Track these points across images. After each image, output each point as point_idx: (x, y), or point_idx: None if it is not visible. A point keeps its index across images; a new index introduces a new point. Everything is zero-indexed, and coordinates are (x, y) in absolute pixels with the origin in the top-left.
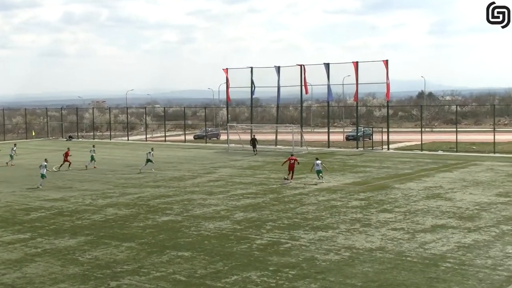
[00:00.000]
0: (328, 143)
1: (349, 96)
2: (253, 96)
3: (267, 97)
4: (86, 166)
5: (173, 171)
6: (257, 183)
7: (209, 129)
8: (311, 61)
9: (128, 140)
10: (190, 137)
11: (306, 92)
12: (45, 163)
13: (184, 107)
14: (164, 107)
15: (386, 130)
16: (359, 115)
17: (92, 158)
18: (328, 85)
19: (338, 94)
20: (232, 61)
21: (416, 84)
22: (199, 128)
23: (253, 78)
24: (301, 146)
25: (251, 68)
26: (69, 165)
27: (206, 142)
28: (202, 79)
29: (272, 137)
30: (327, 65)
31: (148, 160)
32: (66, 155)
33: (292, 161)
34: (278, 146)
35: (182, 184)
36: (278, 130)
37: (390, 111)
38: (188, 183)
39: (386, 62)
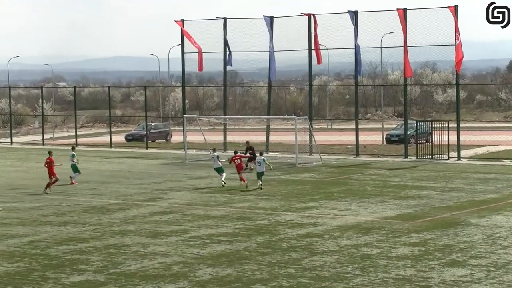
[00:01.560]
0: (357, 149)
1: (392, 69)
2: (228, 69)
3: (251, 71)
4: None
5: (91, 197)
6: (235, 217)
7: (153, 124)
8: (325, 7)
9: (11, 143)
10: (119, 138)
11: (319, 62)
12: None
13: (109, 87)
14: (74, 87)
15: (455, 126)
16: (409, 100)
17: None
18: (356, 49)
19: (373, 65)
20: (190, 8)
21: (507, 47)
22: (135, 123)
23: (228, 38)
24: (310, 154)
25: (224, 19)
26: None
27: (147, 147)
28: (139, 39)
29: (260, 137)
30: (354, 15)
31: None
32: None
33: (238, 160)
34: (270, 154)
35: (106, 218)
36: (271, 126)
37: (462, 94)
38: (116, 217)
39: (454, 10)
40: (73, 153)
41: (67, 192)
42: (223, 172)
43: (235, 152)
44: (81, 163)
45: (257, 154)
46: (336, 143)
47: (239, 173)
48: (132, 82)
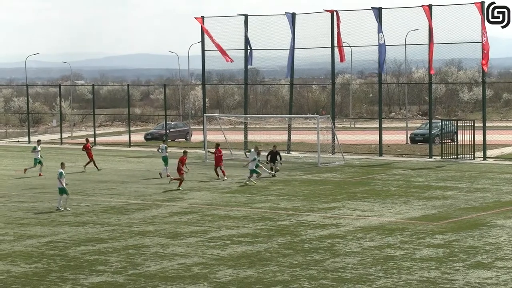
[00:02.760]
0: (380, 148)
1: (417, 66)
2: (249, 67)
3: (272, 68)
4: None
5: (109, 197)
6: (255, 218)
7: (172, 123)
8: (349, 4)
9: (29, 142)
10: (138, 137)
11: (342, 60)
12: (61, 170)
13: (128, 85)
14: (93, 85)
15: (481, 125)
16: (434, 99)
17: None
18: (380, 46)
19: (398, 63)
20: (211, 5)
21: None
22: (154, 122)
23: (249, 35)
24: (333, 153)
25: (245, 16)
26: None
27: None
28: (159, 37)
29: (282, 136)
30: (378, 11)
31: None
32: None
33: (218, 153)
34: (292, 153)
35: (125, 219)
36: (293, 125)
37: (489, 92)
38: (135, 218)
39: (480, 6)
40: (164, 146)
41: (85, 192)
42: (255, 172)
43: (217, 145)
44: (100, 162)
45: (253, 150)
46: (359, 143)
47: (218, 166)
48: (152, 80)
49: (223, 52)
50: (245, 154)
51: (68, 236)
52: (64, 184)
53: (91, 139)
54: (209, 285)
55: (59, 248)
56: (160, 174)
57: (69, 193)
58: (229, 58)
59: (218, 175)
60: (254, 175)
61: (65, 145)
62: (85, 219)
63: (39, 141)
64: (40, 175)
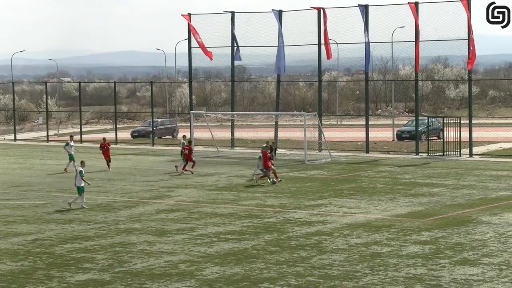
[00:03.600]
0: (367, 145)
1: (403, 64)
2: (236, 64)
3: (259, 66)
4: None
5: (96, 194)
6: (242, 215)
7: (159, 120)
8: (335, 1)
9: (15, 139)
10: (125, 135)
11: (329, 57)
12: (81, 168)
13: (114, 82)
14: (79, 82)
15: (467, 122)
16: (421, 96)
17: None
18: (367, 44)
19: (384, 60)
20: (198, 2)
21: None
22: (141, 120)
23: (236, 32)
24: (320, 151)
25: (232, 13)
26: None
27: (153, 144)
28: (145, 34)
29: (269, 134)
30: (364, 9)
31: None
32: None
33: (186, 150)
34: (278, 150)
35: (111, 216)
36: (280, 122)
37: (475, 89)
38: (122, 215)
39: (467, 3)
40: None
41: (72, 189)
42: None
43: (189, 142)
44: (86, 160)
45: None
46: (346, 140)
47: (187, 162)
48: (138, 77)
49: (204, 49)
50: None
51: (54, 233)
52: (83, 183)
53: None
54: (196, 282)
55: (45, 245)
56: (176, 167)
57: (86, 191)
58: (211, 55)
59: (184, 168)
60: (258, 171)
61: (51, 142)
62: (72, 216)
63: (71, 136)
64: (65, 170)
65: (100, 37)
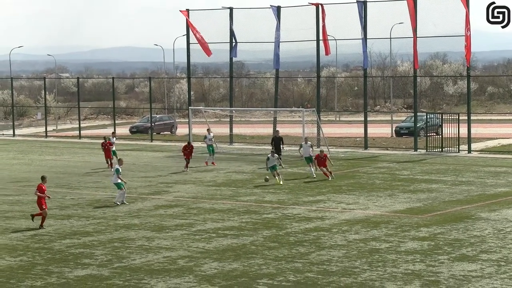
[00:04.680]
0: (365, 141)
1: (402, 60)
2: (234, 59)
3: (258, 62)
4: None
5: (95, 190)
6: (241, 211)
7: (158, 116)
8: None
9: (14, 135)
10: (123, 131)
11: (327, 53)
12: (117, 166)
13: (113, 78)
14: (78, 78)
15: (465, 118)
16: (419, 92)
17: (212, 151)
18: (364, 40)
19: (383, 56)
20: None
21: None
22: (139, 115)
23: (234, 28)
24: (318, 146)
25: (230, 9)
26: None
27: (152, 140)
28: (144, 29)
29: (267, 129)
30: (362, 5)
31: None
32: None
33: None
34: None
35: (110, 212)
36: (278, 118)
37: (473, 85)
38: (121, 211)
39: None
40: (211, 135)
41: (70, 185)
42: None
43: (188, 143)
44: (83, 157)
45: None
46: (344, 136)
47: (187, 159)
48: (137, 73)
49: (204, 46)
50: (299, 151)
51: (53, 229)
52: (119, 180)
53: (73, 133)
54: (194, 278)
55: (44, 241)
56: (206, 162)
57: (125, 188)
58: (210, 51)
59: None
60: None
61: (50, 138)
62: (70, 212)
63: (113, 133)
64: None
65: (99, 32)
